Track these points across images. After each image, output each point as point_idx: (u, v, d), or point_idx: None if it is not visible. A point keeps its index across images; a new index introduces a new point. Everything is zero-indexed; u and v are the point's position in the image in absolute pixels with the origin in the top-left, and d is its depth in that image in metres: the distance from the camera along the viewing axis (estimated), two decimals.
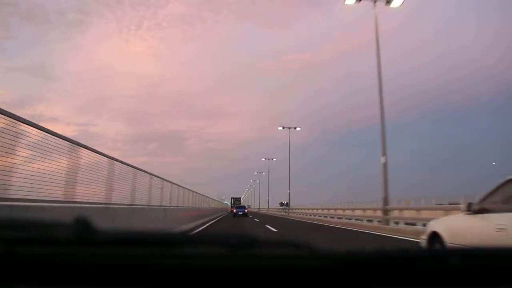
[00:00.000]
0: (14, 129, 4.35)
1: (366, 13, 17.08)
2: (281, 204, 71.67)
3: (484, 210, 4.29)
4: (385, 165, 15.75)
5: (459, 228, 4.67)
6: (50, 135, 5.23)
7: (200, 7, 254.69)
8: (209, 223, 21.02)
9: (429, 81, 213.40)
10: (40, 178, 4.86)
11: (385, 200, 15.44)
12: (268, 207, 66.35)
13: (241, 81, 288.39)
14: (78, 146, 6.45)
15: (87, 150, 7.04)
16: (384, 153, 15.87)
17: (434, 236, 4.97)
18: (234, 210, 43.80)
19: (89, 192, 6.80)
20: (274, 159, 59.98)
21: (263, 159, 60.73)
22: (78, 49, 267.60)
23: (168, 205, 15.03)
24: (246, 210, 43.59)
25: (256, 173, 79.23)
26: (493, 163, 78.80)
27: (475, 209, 4.49)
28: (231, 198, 79.17)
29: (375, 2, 16.07)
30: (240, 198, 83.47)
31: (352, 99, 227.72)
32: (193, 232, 0.93)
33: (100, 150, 8.14)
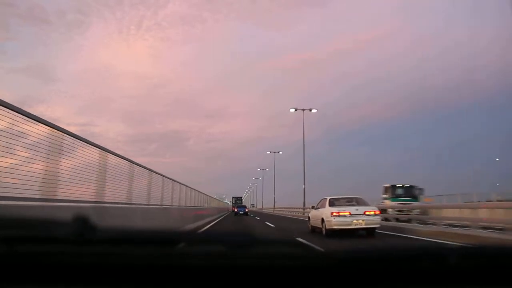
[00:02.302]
0: (14, 127, 4.13)
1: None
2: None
3: (317, 208, 12.67)
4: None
5: (312, 214, 13.17)
6: (46, 126, 4.92)
7: (200, 6, 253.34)
8: (213, 223, 20.67)
9: (427, 80, 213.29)
10: (39, 176, 4.71)
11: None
12: (304, 204, 33.38)
13: (241, 80, 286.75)
14: (81, 141, 6.17)
15: (92, 147, 6.71)
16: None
17: (309, 218, 13.70)
18: (236, 210, 45.74)
19: (91, 191, 6.66)
20: (314, 110, 32.60)
21: (292, 109, 32.08)
22: (78, 50, 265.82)
23: (171, 204, 14.79)
24: (246, 210, 46.46)
25: (270, 152, 58.41)
26: (497, 159, 79.74)
27: (314, 207, 13.28)
28: (233, 197, 75.58)
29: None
30: (241, 197, 79.65)
31: (351, 98, 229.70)
32: (197, 232, 0.94)
33: (110, 149, 7.86)
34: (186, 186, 19.12)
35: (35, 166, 4.67)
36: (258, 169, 76.77)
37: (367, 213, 10.59)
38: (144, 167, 10.98)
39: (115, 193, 8.04)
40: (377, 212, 11.04)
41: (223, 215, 39.33)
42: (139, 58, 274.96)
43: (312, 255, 0.78)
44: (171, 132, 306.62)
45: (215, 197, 47.94)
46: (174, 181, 15.68)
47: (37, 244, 0.79)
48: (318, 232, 11.61)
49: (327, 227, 10.67)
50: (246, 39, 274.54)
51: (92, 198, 6.73)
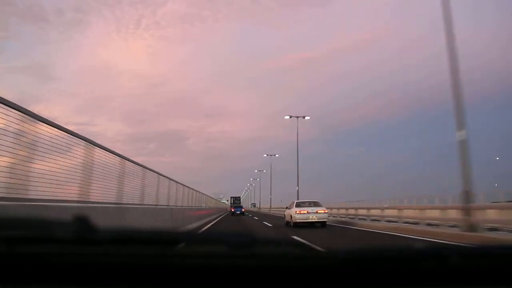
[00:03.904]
0: (13, 125, 3.97)
1: None
2: None
3: (289, 208, 17.36)
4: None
5: (286, 212, 18.30)
6: (46, 124, 4.74)
7: (200, 5, 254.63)
8: (211, 223, 20.11)
9: (424, 79, 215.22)
10: (39, 176, 4.56)
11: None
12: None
13: (240, 80, 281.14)
14: (79, 139, 5.92)
15: (90, 145, 6.43)
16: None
17: (284, 215, 18.84)
18: (233, 210, 45.85)
19: (91, 191, 6.45)
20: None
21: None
22: (77, 49, 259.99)
23: (174, 204, 14.37)
24: (243, 210, 47.35)
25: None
26: (497, 158, 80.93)
27: (287, 208, 18.37)
28: (231, 197, 72.41)
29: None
30: (239, 197, 76.14)
31: (350, 97, 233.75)
32: (197, 232, 0.93)
33: (111, 148, 7.46)
34: (184, 185, 17.97)
35: (34, 165, 4.42)
36: (264, 158, 67.23)
37: (318, 211, 15.56)
38: (140, 165, 9.97)
39: (116, 194, 7.67)
40: (325, 211, 15.99)
41: (222, 215, 38.20)
42: (138, 57, 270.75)
43: (312, 255, 0.77)
44: (170, 132, 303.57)
45: (212, 196, 45.85)
46: (175, 181, 14.99)
47: (37, 245, 0.77)
48: (290, 225, 16.13)
49: (293, 221, 15.53)
50: (245, 38, 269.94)
51: (93, 199, 6.40)
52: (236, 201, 66.74)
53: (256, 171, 78.75)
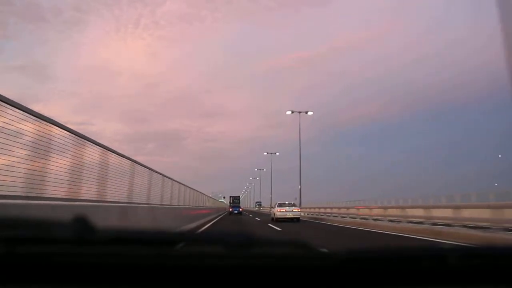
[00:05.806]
0: (12, 124, 3.81)
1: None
2: None
3: (274, 207, 22.27)
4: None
5: (272, 210, 22.27)
6: (46, 122, 4.62)
7: (199, 5, 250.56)
8: (211, 223, 19.38)
9: (422, 79, 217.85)
10: (38, 175, 4.40)
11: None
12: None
13: (239, 79, 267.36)
14: (80, 138, 5.70)
15: (93, 145, 6.17)
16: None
17: (270, 213, 23.38)
18: (231, 209, 46.17)
19: (91, 190, 6.17)
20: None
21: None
22: (76, 48, 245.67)
23: (159, 203, 12.67)
24: (241, 209, 47.41)
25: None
26: (499, 156, 74.40)
27: (272, 207, 25.07)
28: (230, 196, 73.43)
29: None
30: (239, 196, 76.95)
31: (348, 97, 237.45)
32: (196, 232, 0.91)
33: (116, 149, 6.99)
34: (183, 184, 17.03)
35: (34, 164, 4.38)
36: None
37: (294, 210, 19.82)
38: (106, 147, 8.19)
39: (115, 192, 7.31)
40: (299, 210, 20.36)
41: (221, 214, 36.93)
42: (137, 56, 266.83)
43: (313, 255, 0.75)
44: (169, 131, 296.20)
45: (211, 196, 43.79)
46: (175, 181, 14.15)
47: (36, 245, 0.75)
48: (274, 220, 19.14)
49: (275, 217, 19.38)
50: (245, 38, 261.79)
51: (92, 197, 6.09)
52: (235, 200, 66.30)
53: (256, 169, 73.51)
